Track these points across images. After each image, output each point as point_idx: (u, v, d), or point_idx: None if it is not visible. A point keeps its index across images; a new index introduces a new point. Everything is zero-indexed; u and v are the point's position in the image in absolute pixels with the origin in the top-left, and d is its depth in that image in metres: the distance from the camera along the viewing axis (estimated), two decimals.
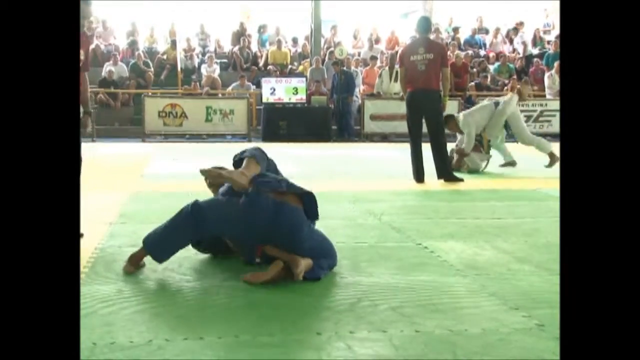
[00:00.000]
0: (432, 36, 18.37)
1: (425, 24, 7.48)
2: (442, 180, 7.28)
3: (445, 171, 7.34)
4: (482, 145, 8.52)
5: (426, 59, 7.12)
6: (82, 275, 3.38)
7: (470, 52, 17.83)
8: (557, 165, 8.83)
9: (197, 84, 15.32)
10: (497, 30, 18.97)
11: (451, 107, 14.47)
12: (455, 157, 8.39)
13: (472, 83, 15.91)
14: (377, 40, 18.12)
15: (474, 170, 8.33)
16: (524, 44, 18.16)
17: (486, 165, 8.47)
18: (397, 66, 12.28)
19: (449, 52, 16.65)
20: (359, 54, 17.41)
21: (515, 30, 19.02)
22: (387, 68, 14.75)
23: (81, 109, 4.42)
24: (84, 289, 3.15)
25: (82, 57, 4.48)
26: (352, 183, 7.28)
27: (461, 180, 7.30)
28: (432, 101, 7.25)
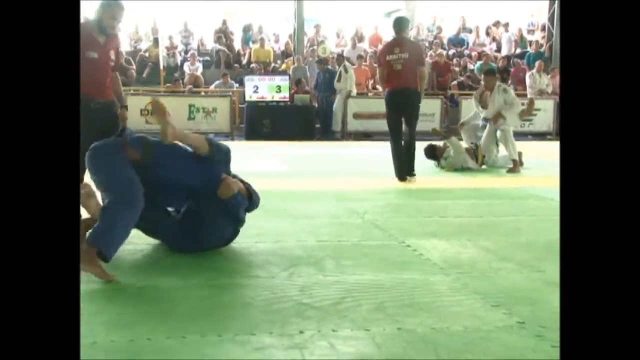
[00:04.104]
0: (411, 35, 18.54)
1: (401, 24, 7.55)
2: (401, 180, 7.25)
3: (411, 170, 7.37)
4: (476, 156, 8.57)
5: (402, 59, 7.22)
6: None
7: (453, 51, 17.91)
8: (540, 165, 8.91)
9: (180, 81, 15.25)
10: (478, 28, 19.08)
11: (434, 105, 14.61)
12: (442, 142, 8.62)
13: (455, 82, 15.99)
14: (361, 39, 18.15)
15: (453, 165, 8.37)
16: (510, 42, 18.26)
17: (465, 167, 8.50)
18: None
19: (431, 51, 16.75)
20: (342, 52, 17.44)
21: (496, 26, 19.12)
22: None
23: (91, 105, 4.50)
24: None
25: (112, 57, 4.62)
26: (335, 181, 7.28)
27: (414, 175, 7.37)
28: (410, 100, 7.32)
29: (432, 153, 8.73)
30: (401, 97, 7.26)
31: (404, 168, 7.29)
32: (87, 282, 3.26)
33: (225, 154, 3.93)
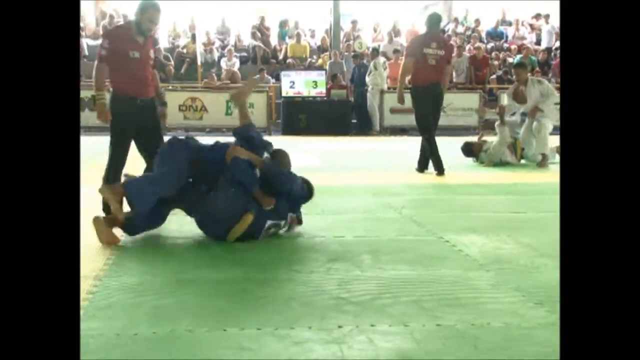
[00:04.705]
0: (449, 29, 18.38)
1: (436, 20, 7.63)
2: (439, 175, 7.25)
3: (427, 165, 7.45)
4: (515, 150, 8.47)
5: (438, 55, 7.27)
6: (105, 267, 3.42)
7: (492, 44, 17.69)
8: None
9: (214, 77, 15.34)
10: (517, 21, 18.79)
11: (472, 99, 14.47)
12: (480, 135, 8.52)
13: (493, 76, 15.79)
14: (397, 33, 18.03)
15: (493, 158, 8.29)
16: (550, 34, 17.93)
17: (504, 161, 8.40)
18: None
19: (469, 45, 16.58)
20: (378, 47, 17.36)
21: (536, 18, 18.80)
22: None
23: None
24: (107, 281, 3.19)
25: (152, 55, 4.90)
26: (372, 176, 7.26)
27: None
28: (441, 95, 7.46)
29: (469, 150, 8.65)
30: (434, 91, 7.30)
31: (441, 163, 7.26)
32: (131, 275, 3.31)
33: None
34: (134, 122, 4.76)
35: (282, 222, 4.17)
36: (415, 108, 7.45)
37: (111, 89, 4.86)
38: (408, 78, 7.45)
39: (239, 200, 4.00)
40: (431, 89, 7.26)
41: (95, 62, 4.80)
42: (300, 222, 4.38)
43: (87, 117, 13.38)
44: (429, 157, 7.38)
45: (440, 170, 7.24)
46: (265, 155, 4.35)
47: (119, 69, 4.72)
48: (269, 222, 4.08)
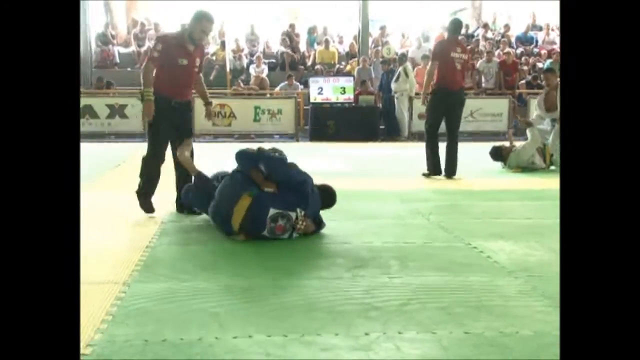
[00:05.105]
0: (479, 34, 18.25)
1: (458, 26, 7.82)
2: (428, 176, 7.49)
3: (455, 169, 7.54)
4: (544, 155, 8.40)
5: (462, 59, 7.42)
6: (134, 274, 3.45)
7: (521, 49, 17.52)
8: None
9: (241, 83, 15.42)
10: (548, 25, 18.59)
11: (501, 105, 14.35)
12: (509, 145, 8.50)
13: (523, 81, 15.64)
14: (426, 39, 17.96)
15: (519, 164, 8.22)
16: None
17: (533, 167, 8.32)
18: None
19: (498, 50, 16.45)
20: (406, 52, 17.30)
21: None
22: None
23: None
24: (136, 287, 3.22)
25: (197, 63, 5.16)
26: (400, 182, 7.24)
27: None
28: (464, 100, 7.70)
29: (499, 154, 8.58)
30: (458, 96, 7.47)
31: (438, 166, 7.49)
32: (159, 280, 3.34)
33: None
34: (167, 120, 5.00)
35: (293, 215, 4.15)
36: (430, 110, 7.52)
37: (152, 88, 5.05)
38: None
39: (239, 183, 4.21)
40: (456, 94, 7.39)
41: (145, 62, 5.11)
42: (318, 225, 4.40)
43: (118, 123, 13.59)
44: (448, 159, 7.48)
45: (434, 171, 7.47)
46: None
47: (163, 72, 4.96)
48: (273, 210, 4.09)
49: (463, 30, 18.76)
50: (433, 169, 7.50)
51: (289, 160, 4.45)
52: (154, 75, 4.96)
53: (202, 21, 4.99)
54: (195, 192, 4.72)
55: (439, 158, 7.50)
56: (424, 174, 7.55)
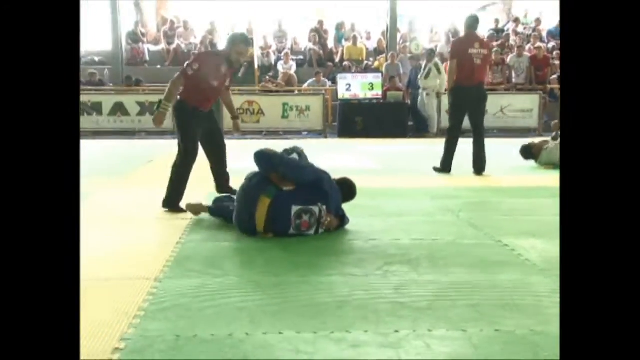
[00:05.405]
0: (510, 28, 18.06)
1: (475, 21, 7.79)
2: (439, 171, 7.61)
3: (484, 166, 7.55)
4: None
5: (482, 54, 7.44)
6: (165, 270, 3.49)
7: (553, 44, 17.31)
8: None
9: (269, 79, 15.46)
10: None
11: (532, 100, 14.20)
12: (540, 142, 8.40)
13: (554, 76, 15.45)
14: (455, 34, 17.83)
15: (552, 161, 8.13)
16: None
17: None
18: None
19: (529, 45, 16.27)
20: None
21: None
22: None
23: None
24: (167, 283, 3.25)
25: (227, 83, 5.41)
26: (429, 179, 7.20)
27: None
28: (485, 95, 7.65)
29: (529, 152, 8.49)
30: (479, 92, 7.49)
31: (450, 163, 7.59)
32: (190, 277, 3.37)
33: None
34: (194, 122, 5.15)
35: (316, 210, 4.16)
36: (452, 107, 7.59)
37: (178, 97, 5.17)
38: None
39: (256, 185, 4.22)
40: (475, 89, 7.42)
41: (177, 75, 5.16)
42: (342, 220, 4.42)
43: (148, 120, 13.70)
44: (476, 156, 7.51)
45: (445, 168, 7.56)
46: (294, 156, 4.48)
47: (194, 88, 5.10)
48: (295, 208, 4.11)
49: (493, 25, 18.68)
50: (444, 166, 7.60)
51: (316, 156, 4.46)
52: (181, 87, 5.11)
53: (239, 44, 5.15)
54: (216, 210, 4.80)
55: (452, 157, 7.58)
56: (434, 168, 7.65)
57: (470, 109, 7.45)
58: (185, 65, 5.16)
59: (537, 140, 8.71)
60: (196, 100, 5.12)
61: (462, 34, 8.29)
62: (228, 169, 5.62)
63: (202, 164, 5.44)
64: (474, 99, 7.43)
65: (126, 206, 5.47)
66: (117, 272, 3.51)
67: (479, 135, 7.50)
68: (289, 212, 4.11)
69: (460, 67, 7.36)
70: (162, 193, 5.21)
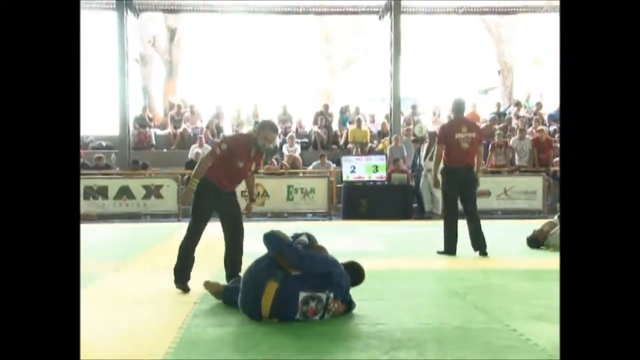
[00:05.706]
0: (511, 112, 18.35)
1: (463, 106, 7.97)
2: (444, 254, 7.52)
3: (485, 245, 7.53)
4: None
5: (469, 137, 7.54)
6: (167, 356, 3.42)
7: (554, 127, 17.54)
8: None
9: (275, 162, 15.62)
10: None
11: (535, 182, 14.26)
12: (545, 227, 8.28)
13: (557, 159, 15.57)
14: None
15: (558, 246, 8.06)
16: None
17: None
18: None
19: (531, 128, 16.49)
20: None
21: None
22: None
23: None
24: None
25: (253, 167, 5.54)
26: (434, 261, 7.15)
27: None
28: (475, 177, 7.69)
29: (536, 241, 8.39)
30: (467, 174, 7.56)
31: (454, 245, 7.55)
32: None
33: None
34: (215, 206, 5.34)
35: (324, 297, 4.11)
36: (445, 189, 7.68)
37: (204, 174, 5.34)
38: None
39: (264, 269, 4.18)
40: (462, 171, 7.51)
41: (206, 154, 5.48)
42: (349, 305, 4.36)
43: (154, 203, 13.78)
44: (474, 237, 7.52)
45: (448, 250, 7.52)
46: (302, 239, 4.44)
47: (220, 167, 5.28)
48: (303, 294, 4.05)
49: (494, 109, 18.99)
50: (448, 248, 7.57)
51: (321, 238, 4.43)
52: (209, 166, 5.29)
53: (266, 130, 5.36)
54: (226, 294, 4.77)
55: (455, 238, 7.56)
56: (438, 252, 7.59)
57: (460, 189, 7.56)
58: (214, 144, 5.35)
59: (541, 223, 8.66)
60: (219, 179, 5.29)
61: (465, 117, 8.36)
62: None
63: (219, 242, 5.46)
64: (463, 182, 7.53)
65: (130, 289, 5.43)
66: (118, 354, 3.44)
67: (472, 219, 7.57)
68: (296, 298, 4.06)
69: (448, 151, 7.56)
70: (166, 277, 5.18)
